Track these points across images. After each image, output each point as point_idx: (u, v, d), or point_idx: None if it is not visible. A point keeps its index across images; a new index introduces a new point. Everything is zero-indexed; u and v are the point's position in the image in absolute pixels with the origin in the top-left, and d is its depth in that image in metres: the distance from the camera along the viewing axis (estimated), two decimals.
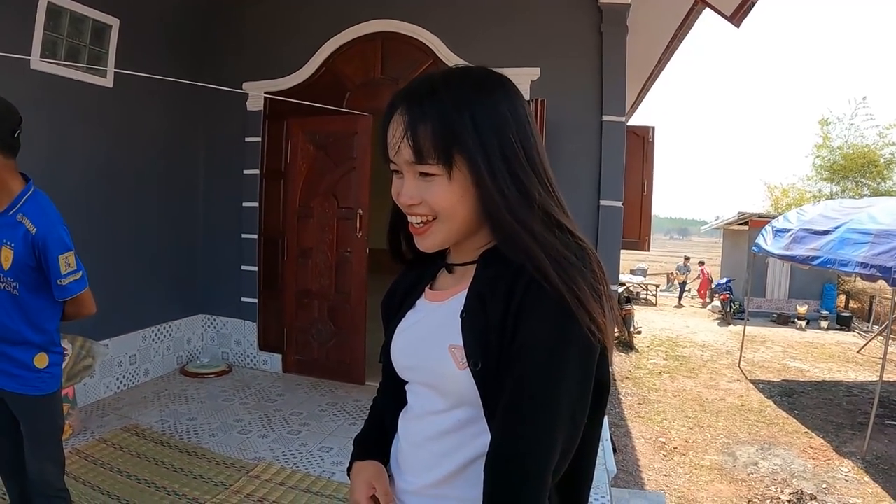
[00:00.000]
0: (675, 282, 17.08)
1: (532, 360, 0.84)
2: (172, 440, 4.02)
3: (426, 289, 1.09)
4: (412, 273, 1.15)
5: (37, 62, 4.02)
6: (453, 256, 1.06)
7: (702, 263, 17.60)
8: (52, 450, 2.28)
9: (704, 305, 15.81)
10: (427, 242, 0.97)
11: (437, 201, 0.92)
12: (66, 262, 2.08)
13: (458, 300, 0.97)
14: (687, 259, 17.50)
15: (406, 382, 1.10)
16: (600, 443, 1.02)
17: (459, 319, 0.93)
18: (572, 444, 0.88)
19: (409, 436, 1.06)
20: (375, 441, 1.20)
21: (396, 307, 1.13)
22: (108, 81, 4.60)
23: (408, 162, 0.91)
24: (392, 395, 1.15)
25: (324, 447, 4.01)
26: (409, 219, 0.98)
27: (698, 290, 16.76)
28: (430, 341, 0.99)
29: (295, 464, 3.75)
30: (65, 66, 4.22)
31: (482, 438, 0.91)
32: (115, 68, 4.56)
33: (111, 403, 4.63)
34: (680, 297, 16.32)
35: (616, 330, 0.92)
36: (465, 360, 0.90)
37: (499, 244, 0.93)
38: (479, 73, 0.95)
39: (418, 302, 1.09)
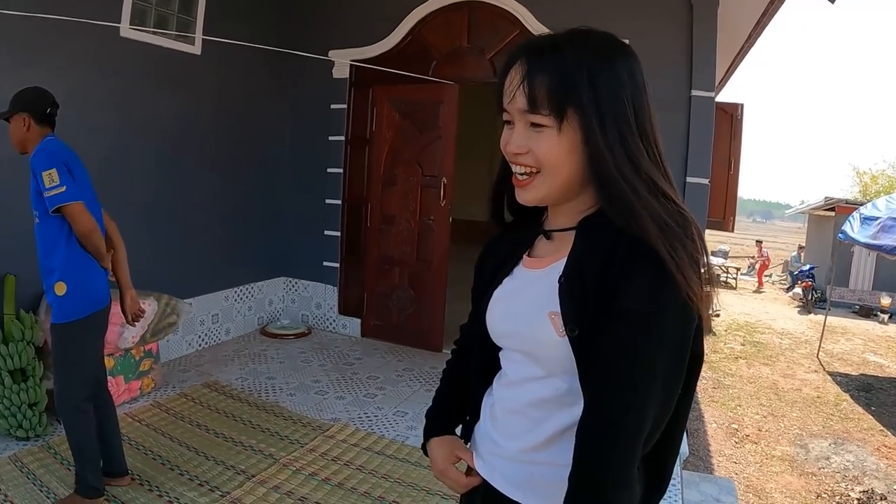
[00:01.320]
0: (791, 272, 15.36)
1: (629, 326, 0.84)
2: (251, 397, 4.16)
3: (524, 256, 1.08)
4: (507, 238, 1.14)
5: (126, 30, 4.13)
6: (551, 221, 1.05)
7: (759, 242, 16.68)
8: (58, 375, 2.59)
9: (760, 288, 15.20)
10: (528, 195, 0.98)
11: (543, 153, 0.92)
12: (50, 177, 2.39)
13: (558, 267, 0.96)
14: (801, 248, 16.33)
15: (498, 348, 1.10)
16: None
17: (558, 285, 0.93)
18: (665, 413, 0.88)
19: (506, 402, 1.06)
20: (448, 416, 1.26)
21: (491, 273, 1.12)
22: (195, 49, 4.71)
23: (520, 110, 0.93)
24: (476, 358, 1.18)
25: (399, 411, 4.09)
26: (514, 169, 0.98)
27: (758, 271, 16.05)
28: (529, 308, 0.98)
29: (370, 426, 3.83)
30: (153, 33, 4.33)
31: (580, 406, 0.90)
32: (203, 35, 4.67)
33: (193, 360, 4.85)
34: (790, 289, 14.93)
35: (710, 304, 0.91)
36: (563, 326, 0.90)
37: (603, 204, 0.93)
38: (602, 35, 0.96)
39: (515, 269, 1.08)
